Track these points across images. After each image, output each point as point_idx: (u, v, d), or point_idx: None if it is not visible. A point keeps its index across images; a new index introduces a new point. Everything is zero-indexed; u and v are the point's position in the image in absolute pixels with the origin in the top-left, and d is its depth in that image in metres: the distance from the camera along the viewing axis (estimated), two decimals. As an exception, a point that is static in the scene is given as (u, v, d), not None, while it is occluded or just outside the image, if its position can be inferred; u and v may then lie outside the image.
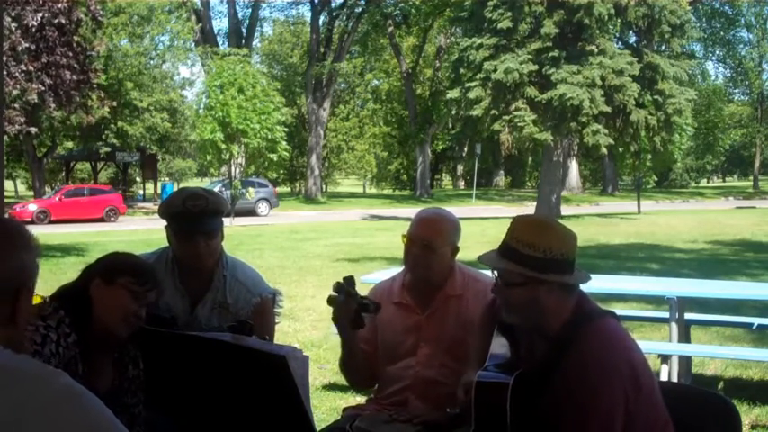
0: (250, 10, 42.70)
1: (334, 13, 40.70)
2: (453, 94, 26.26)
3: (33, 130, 18.67)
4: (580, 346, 2.14)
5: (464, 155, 50.76)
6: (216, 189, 26.43)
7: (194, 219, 2.78)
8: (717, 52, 54.03)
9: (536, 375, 2.19)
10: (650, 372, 2.25)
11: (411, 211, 30.24)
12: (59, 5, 15.84)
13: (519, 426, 2.16)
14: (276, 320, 3.06)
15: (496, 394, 2.18)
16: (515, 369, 2.22)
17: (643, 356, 2.23)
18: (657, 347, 5.39)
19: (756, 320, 6.19)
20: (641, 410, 2.12)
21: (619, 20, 25.55)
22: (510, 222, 2.31)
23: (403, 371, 2.83)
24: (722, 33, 51.17)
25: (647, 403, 2.14)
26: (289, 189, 50.68)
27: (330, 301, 2.70)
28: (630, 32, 27.37)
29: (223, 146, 24.83)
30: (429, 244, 2.75)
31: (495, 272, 2.28)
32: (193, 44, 38.85)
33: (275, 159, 26.61)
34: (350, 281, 2.69)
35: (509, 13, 24.74)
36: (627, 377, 2.11)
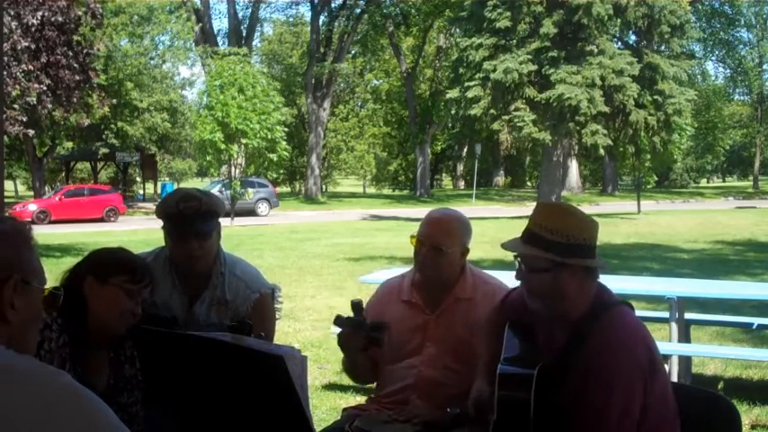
0: (250, 10, 42.75)
1: (334, 14, 40.69)
2: (453, 93, 26.27)
3: (31, 132, 18.63)
4: (601, 330, 2.18)
5: (464, 155, 50.78)
6: (215, 189, 26.49)
7: (187, 220, 2.77)
8: (717, 52, 54.00)
9: (557, 363, 2.21)
10: (663, 363, 2.28)
11: (411, 211, 30.21)
12: (59, 4, 15.82)
13: (542, 416, 2.18)
14: (277, 316, 3.05)
15: (520, 386, 2.20)
16: (529, 364, 2.23)
17: (657, 347, 2.26)
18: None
19: (756, 320, 6.19)
20: (654, 400, 2.14)
21: (618, 20, 25.58)
22: (533, 209, 2.34)
23: (406, 370, 2.82)
24: (722, 33, 51.11)
25: (660, 393, 2.17)
26: (289, 189, 50.67)
27: (337, 322, 2.68)
28: (630, 32, 27.40)
29: (222, 146, 24.83)
30: (438, 245, 2.74)
31: (519, 258, 2.30)
32: (193, 44, 38.85)
33: (275, 159, 26.60)
34: (358, 307, 2.67)
35: (508, 13, 24.76)
36: (645, 361, 2.14)
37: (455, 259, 2.79)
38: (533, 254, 2.23)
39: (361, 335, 2.63)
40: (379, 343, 2.64)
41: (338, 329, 2.73)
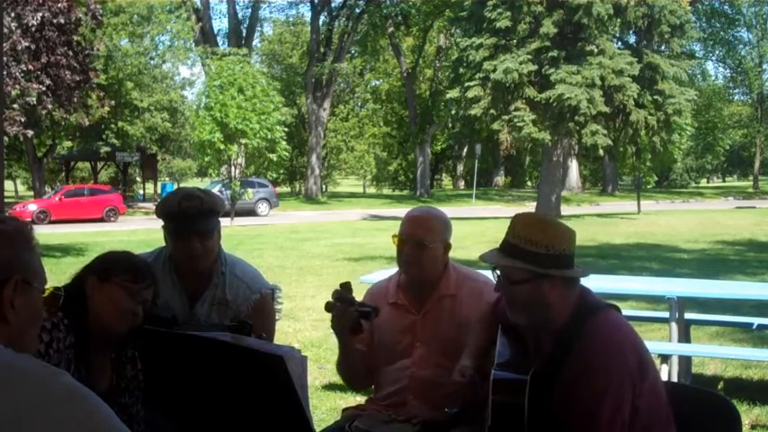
0: (250, 10, 42.78)
1: (334, 14, 40.71)
2: (453, 93, 26.25)
3: (30, 133, 18.64)
4: (588, 334, 2.17)
5: (464, 155, 50.77)
6: (215, 189, 26.46)
7: (189, 219, 2.77)
8: (717, 52, 54.01)
9: (547, 369, 2.21)
10: (653, 364, 2.29)
11: (411, 211, 30.51)
12: (59, 5, 15.85)
13: (536, 421, 2.18)
14: (277, 317, 3.05)
15: (514, 392, 2.20)
16: (522, 369, 2.23)
17: (646, 347, 2.26)
18: (657, 347, 5.37)
19: (756, 320, 6.18)
20: (644, 401, 2.14)
21: (618, 20, 25.55)
22: (510, 221, 2.32)
23: (399, 372, 2.83)
24: (722, 33, 51.12)
25: (650, 394, 2.17)
26: (289, 189, 50.68)
27: (328, 307, 2.67)
28: (630, 32, 27.37)
29: (222, 146, 24.81)
30: (420, 241, 2.75)
31: (498, 270, 2.29)
32: (193, 44, 38.85)
33: (275, 159, 26.59)
34: (347, 287, 2.68)
35: (508, 13, 24.73)
36: (633, 363, 2.14)
37: (437, 255, 2.80)
38: (513, 265, 2.23)
39: (352, 310, 2.62)
40: (369, 317, 2.63)
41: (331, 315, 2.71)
